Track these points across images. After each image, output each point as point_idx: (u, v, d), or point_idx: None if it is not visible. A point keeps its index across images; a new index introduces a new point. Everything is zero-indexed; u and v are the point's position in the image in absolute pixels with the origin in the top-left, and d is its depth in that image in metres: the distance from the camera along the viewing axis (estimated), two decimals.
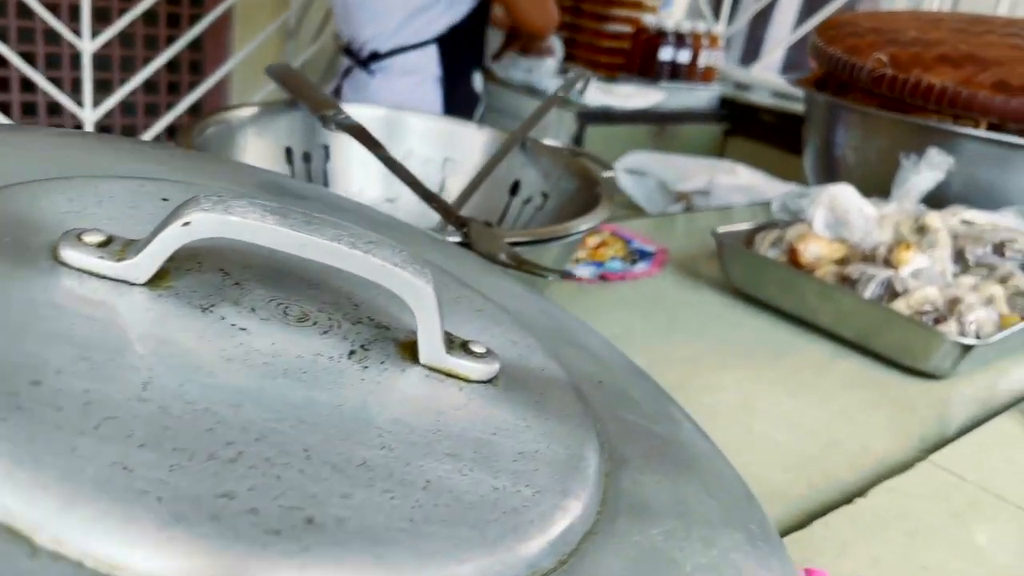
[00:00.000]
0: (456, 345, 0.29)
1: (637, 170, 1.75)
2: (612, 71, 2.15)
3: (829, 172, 1.22)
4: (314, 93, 0.72)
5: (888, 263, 0.79)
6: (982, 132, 0.97)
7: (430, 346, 0.28)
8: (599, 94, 1.88)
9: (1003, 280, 0.81)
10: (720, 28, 2.21)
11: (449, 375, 0.29)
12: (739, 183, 1.64)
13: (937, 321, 0.72)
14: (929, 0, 1.82)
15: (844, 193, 0.82)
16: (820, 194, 0.82)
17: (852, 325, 0.75)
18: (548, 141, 0.78)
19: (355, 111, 0.73)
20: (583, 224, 0.60)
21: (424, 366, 0.29)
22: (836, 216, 0.82)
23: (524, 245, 0.52)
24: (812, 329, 0.79)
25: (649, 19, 2.04)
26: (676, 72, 2.05)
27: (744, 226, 0.89)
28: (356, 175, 0.75)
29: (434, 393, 0.28)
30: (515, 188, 0.77)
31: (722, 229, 0.85)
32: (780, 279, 0.80)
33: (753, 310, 0.82)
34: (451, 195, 0.76)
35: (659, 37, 2.01)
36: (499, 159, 0.74)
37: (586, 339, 0.41)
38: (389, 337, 0.30)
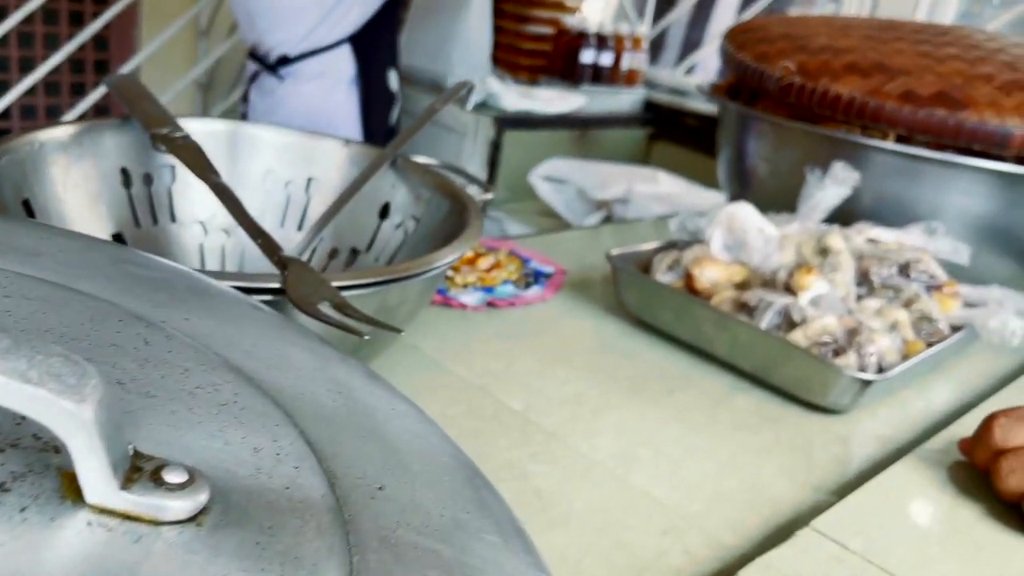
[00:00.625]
0: (144, 473, 0.22)
1: (555, 178, 1.69)
2: (534, 74, 2.09)
3: (742, 184, 1.18)
4: (150, 107, 0.63)
5: (789, 288, 0.74)
6: (890, 144, 0.94)
7: (93, 482, 0.21)
8: (518, 98, 1.81)
9: (908, 304, 0.77)
10: (644, 29, 2.17)
11: (127, 517, 0.22)
12: (659, 191, 1.59)
13: (837, 353, 0.67)
14: (849, 3, 1.80)
15: (743, 212, 0.77)
16: (718, 213, 0.77)
17: (749, 357, 0.70)
18: (420, 158, 0.71)
19: (197, 127, 0.65)
20: (442, 258, 0.54)
21: (92, 507, 0.21)
22: (735, 237, 0.77)
23: (352, 289, 0.46)
24: (710, 360, 0.74)
25: (570, 20, 1.98)
26: (598, 75, 2.00)
27: (647, 246, 0.83)
28: (203, 199, 0.67)
29: (96, 548, 0.20)
30: (385, 211, 0.70)
31: (616, 251, 0.80)
32: (675, 306, 0.74)
33: (650, 339, 0.77)
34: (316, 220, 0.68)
35: (580, 39, 1.95)
36: (365, 179, 0.67)
37: (392, 425, 0.34)
38: (54, 464, 0.22)
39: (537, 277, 0.87)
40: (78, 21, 2.60)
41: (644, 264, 0.82)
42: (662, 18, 2.34)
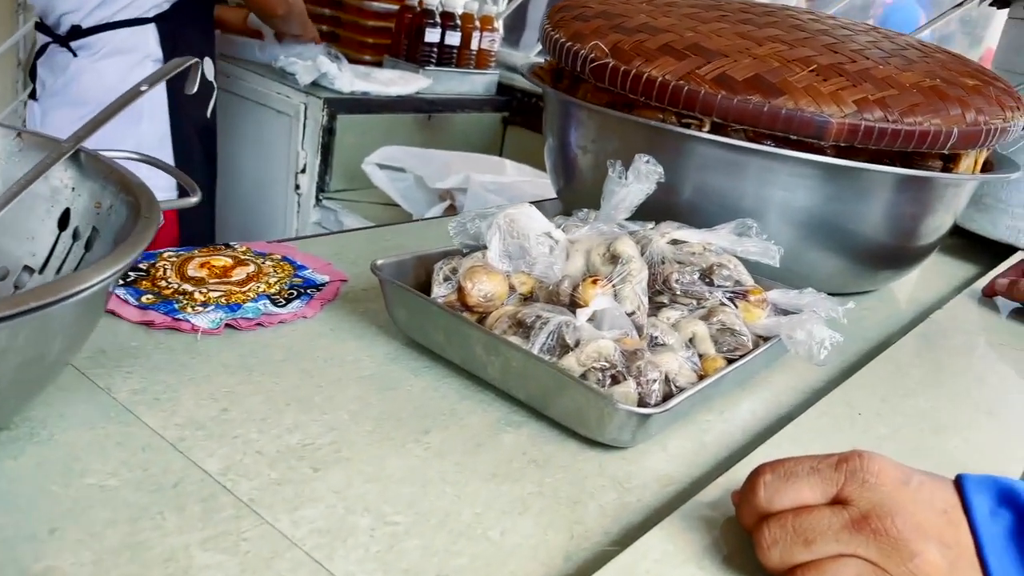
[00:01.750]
0: None
1: (392, 166, 1.56)
2: (380, 53, 1.95)
3: (566, 176, 1.08)
4: None
5: (575, 302, 0.64)
6: (704, 134, 0.86)
7: None
8: (355, 80, 1.67)
9: (709, 315, 0.68)
10: (495, 8, 2.05)
11: None
12: (501, 181, 1.49)
13: (616, 380, 0.58)
14: None
15: (524, 214, 0.67)
16: (497, 216, 0.67)
17: (522, 386, 0.60)
18: (112, 152, 0.57)
19: None
20: (78, 282, 0.41)
21: None
22: (518, 243, 0.67)
23: None
24: (487, 388, 0.63)
25: None
26: (446, 56, 1.88)
27: (429, 251, 0.72)
28: None
29: None
30: (64, 219, 0.56)
31: (383, 260, 0.68)
32: (444, 326, 0.64)
33: (422, 364, 0.66)
34: None
35: (424, 17, 1.82)
36: (31, 180, 0.53)
37: None
38: None
39: (304, 289, 0.75)
40: None
41: (420, 275, 0.71)
42: None
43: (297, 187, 1.64)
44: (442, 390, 0.62)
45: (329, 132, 1.63)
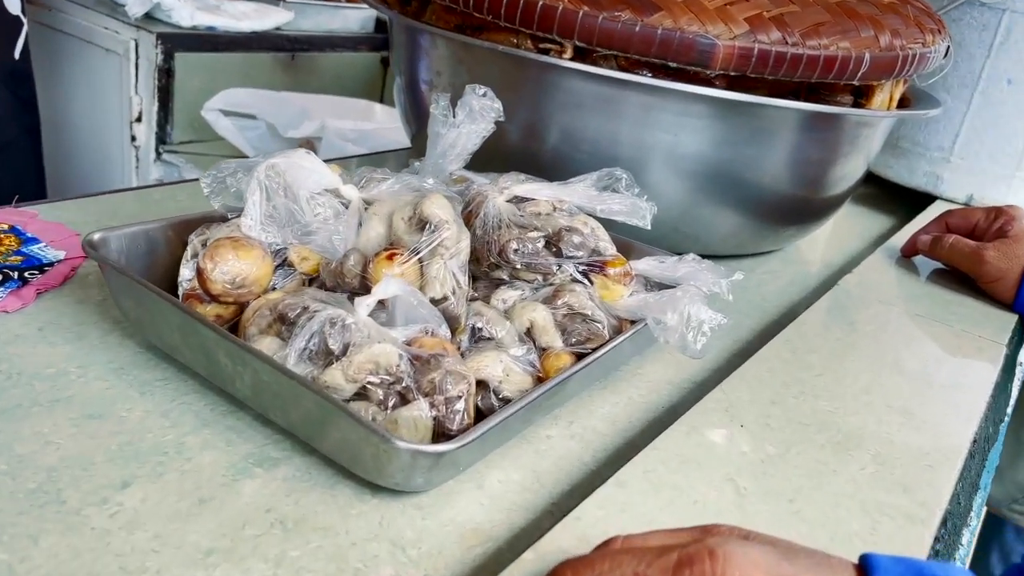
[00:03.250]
0: None
1: (238, 112, 1.35)
2: None
3: (418, 118, 0.90)
4: None
5: (367, 286, 0.47)
6: (565, 61, 0.68)
7: None
8: (197, 12, 1.43)
9: (554, 296, 0.52)
10: None
11: None
12: (362, 128, 1.29)
13: (404, 398, 0.41)
14: None
15: (296, 165, 0.49)
16: (258, 167, 0.48)
17: (280, 409, 0.43)
18: None
19: None
20: None
21: None
22: (287, 204, 0.48)
23: None
24: (245, 409, 0.46)
25: None
26: None
27: (188, 214, 0.53)
28: None
29: None
30: None
31: (102, 233, 0.49)
32: (180, 325, 0.45)
33: (163, 375, 0.48)
34: None
35: None
36: None
37: None
38: None
39: (20, 272, 0.55)
40: None
41: (166, 253, 0.52)
42: None
43: (133, 138, 1.41)
44: (174, 415, 0.44)
45: (167, 74, 1.39)
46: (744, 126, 0.71)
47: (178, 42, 1.39)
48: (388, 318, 0.44)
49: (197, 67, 1.43)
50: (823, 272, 0.85)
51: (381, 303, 0.44)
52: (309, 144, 1.35)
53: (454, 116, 0.58)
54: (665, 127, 0.71)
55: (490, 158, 0.61)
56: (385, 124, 1.32)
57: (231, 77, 1.49)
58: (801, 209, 0.81)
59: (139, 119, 1.40)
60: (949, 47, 0.78)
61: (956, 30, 1.00)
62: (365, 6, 1.76)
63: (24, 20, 1.22)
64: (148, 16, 1.42)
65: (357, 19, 1.74)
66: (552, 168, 0.76)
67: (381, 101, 1.84)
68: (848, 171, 0.80)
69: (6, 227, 0.61)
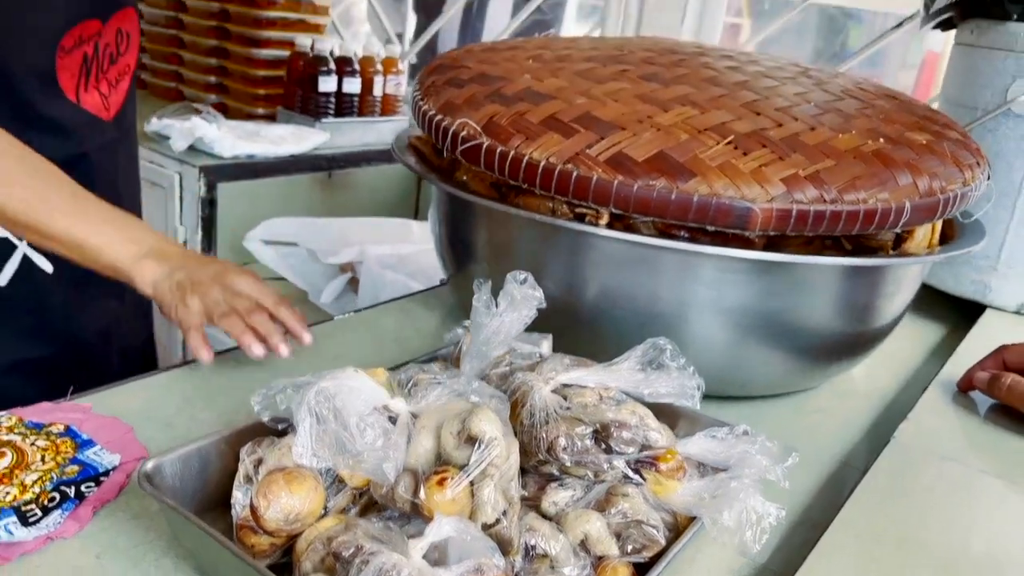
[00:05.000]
0: None
1: (280, 240, 1.38)
2: (274, 105, 1.76)
3: (456, 264, 0.90)
4: None
5: (418, 512, 0.46)
6: (602, 230, 0.69)
7: None
8: (237, 142, 1.48)
9: (607, 501, 0.51)
10: (399, 48, 1.87)
11: None
12: (400, 252, 1.31)
13: None
14: (614, 20, 1.56)
15: (346, 387, 0.49)
16: (308, 392, 0.49)
17: None
18: None
19: None
20: None
21: None
22: (338, 430, 0.49)
23: None
24: None
25: (303, 41, 1.66)
26: (346, 105, 1.69)
27: (239, 425, 0.54)
28: None
29: None
30: None
31: (155, 461, 0.50)
32: (236, 568, 0.45)
33: None
34: None
35: (317, 65, 1.64)
36: None
37: None
38: None
39: (78, 486, 0.56)
40: None
41: (225, 456, 0.53)
42: (424, 32, 2.06)
43: None
44: None
45: (210, 204, 1.44)
46: (785, 279, 0.70)
47: (220, 173, 1.44)
48: (441, 555, 0.44)
49: (238, 195, 1.48)
50: (877, 405, 0.82)
51: None
52: (351, 267, 1.37)
53: (496, 306, 0.58)
54: (705, 284, 0.70)
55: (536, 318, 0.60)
56: (422, 244, 1.34)
57: (271, 201, 1.52)
58: (848, 345, 0.79)
59: None
60: (989, 176, 0.77)
61: (993, 140, 0.99)
62: (397, 118, 1.81)
63: (17, 243, 0.90)
64: (191, 148, 1.47)
65: (390, 131, 1.78)
66: (592, 324, 0.76)
67: (416, 212, 1.87)
68: (894, 306, 0.79)
69: (62, 428, 0.63)
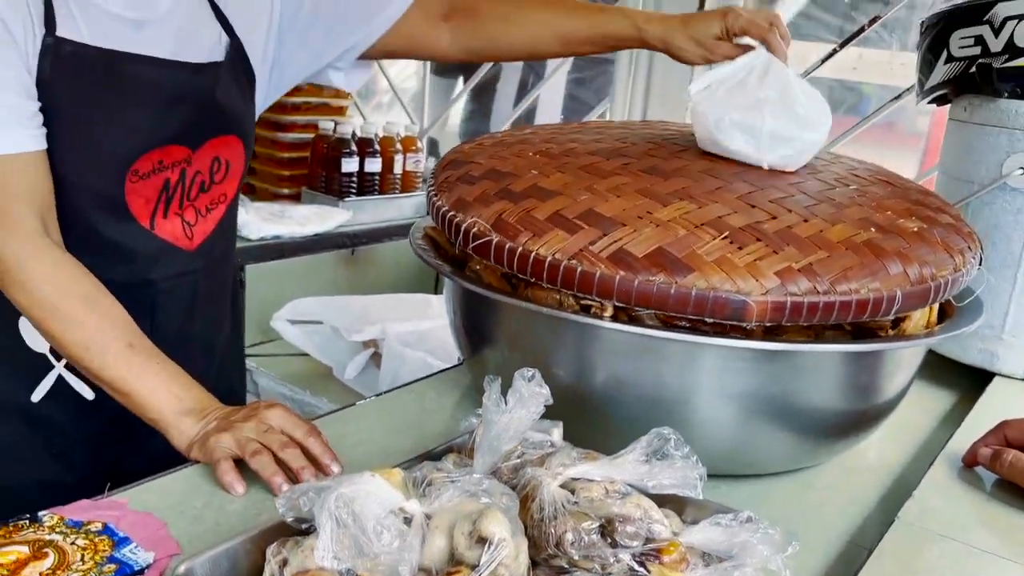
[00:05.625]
0: None
1: (305, 319, 1.43)
2: (299, 185, 1.83)
3: (471, 348, 0.94)
4: None
5: None
6: (607, 323, 0.72)
7: None
8: (263, 224, 1.54)
9: None
10: (416, 127, 1.95)
11: None
12: (420, 329, 1.35)
13: None
14: (620, 105, 1.62)
15: (364, 491, 0.53)
16: (328, 497, 0.52)
17: None
18: None
19: None
20: None
21: None
22: (357, 534, 0.52)
23: None
24: None
25: (326, 125, 1.74)
26: (368, 183, 1.76)
27: (265, 523, 0.57)
28: None
29: None
30: None
31: (187, 564, 0.53)
32: None
33: None
34: None
35: (340, 146, 1.71)
36: None
37: None
38: None
39: None
40: None
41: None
42: (447, 107, 2.13)
43: None
44: None
45: (239, 284, 1.49)
46: (786, 364, 0.73)
47: (248, 255, 1.50)
48: None
49: (266, 275, 1.53)
50: (886, 480, 0.84)
51: None
52: (373, 344, 1.41)
53: (505, 403, 0.62)
54: (708, 372, 0.73)
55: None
56: (441, 319, 1.38)
57: (296, 279, 1.58)
58: (854, 423, 0.81)
59: None
60: (982, 259, 0.80)
61: (990, 212, 1.01)
62: (418, 193, 1.87)
63: (55, 364, 0.93)
64: None
65: (410, 206, 1.84)
66: (601, 410, 0.79)
67: (436, 285, 1.92)
68: (896, 383, 0.81)
69: (100, 526, 0.66)
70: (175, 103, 0.90)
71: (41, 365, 0.91)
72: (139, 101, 0.87)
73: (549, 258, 0.73)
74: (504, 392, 0.64)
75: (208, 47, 0.93)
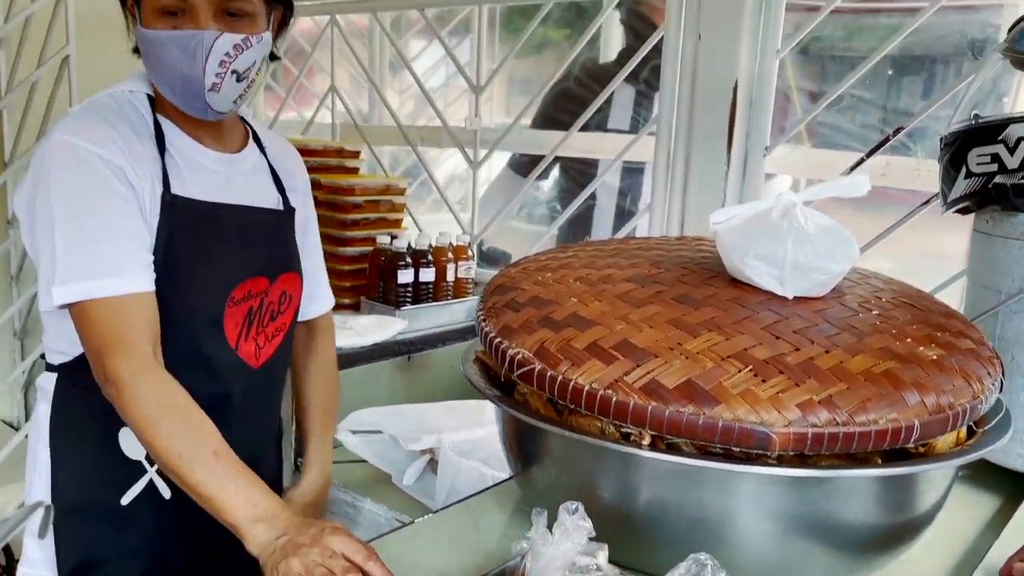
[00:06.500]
0: None
1: (365, 429, 1.51)
2: (358, 295, 1.94)
3: (521, 464, 1.00)
4: None
5: None
6: (645, 451, 0.78)
7: None
8: None
9: None
10: (467, 236, 2.06)
11: None
12: (474, 438, 1.42)
13: None
14: (658, 217, 1.70)
15: None
16: None
17: None
18: None
19: None
20: None
21: None
22: None
23: None
24: None
25: (383, 239, 1.86)
26: (422, 292, 1.86)
27: None
28: None
29: None
30: None
31: None
32: None
33: None
34: None
35: (395, 260, 1.82)
36: None
37: None
38: None
39: None
40: None
41: None
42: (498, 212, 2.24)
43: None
44: None
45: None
46: (819, 487, 0.77)
47: None
48: None
49: None
50: None
51: None
52: (430, 451, 1.48)
53: (552, 535, 0.68)
54: (743, 495, 0.78)
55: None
56: (494, 426, 1.44)
57: (356, 387, 1.66)
58: (890, 536, 0.84)
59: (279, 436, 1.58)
60: (1003, 383, 0.83)
61: (1020, 321, 1.05)
62: (470, 299, 1.96)
63: (148, 469, 1.06)
64: None
65: (463, 311, 1.93)
66: (644, 530, 0.83)
67: None
68: (931, 497, 0.84)
69: None
70: (258, 240, 1.09)
71: (134, 471, 1.04)
72: (234, 239, 1.06)
73: (587, 387, 0.79)
74: (551, 520, 0.70)
75: (272, 199, 1.14)
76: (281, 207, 1.14)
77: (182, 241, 1.01)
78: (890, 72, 1.71)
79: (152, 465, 1.04)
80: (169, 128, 1.04)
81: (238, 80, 0.99)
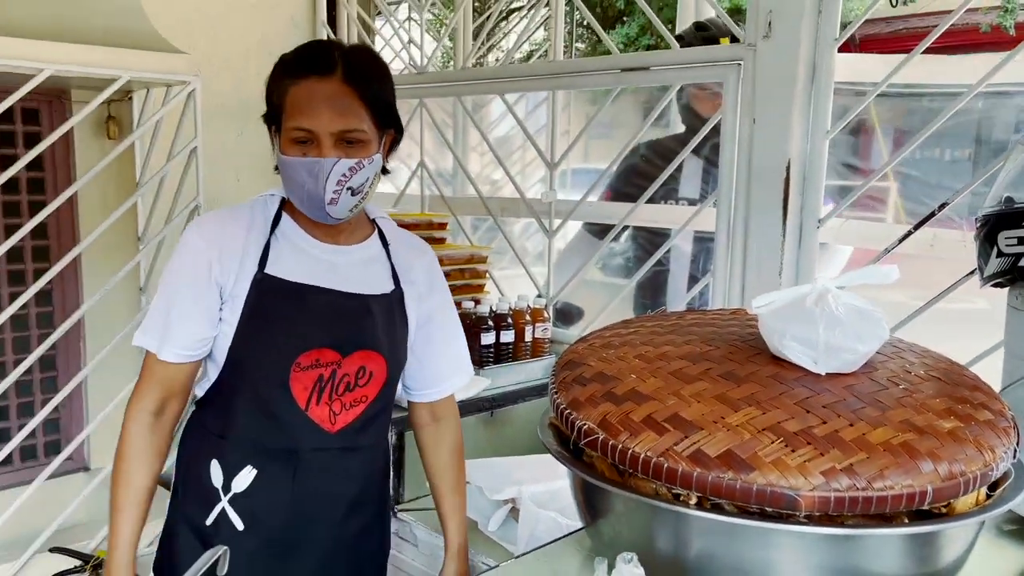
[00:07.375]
0: None
1: None
2: None
3: (591, 516, 1.14)
4: None
5: None
6: (692, 510, 0.91)
7: None
8: None
9: None
10: (542, 300, 2.22)
11: None
12: (552, 488, 1.56)
13: None
14: (722, 280, 1.84)
15: None
16: None
17: None
18: None
19: None
20: None
21: None
22: None
23: None
24: None
25: (467, 305, 2.04)
26: (503, 353, 2.03)
27: None
28: None
29: None
30: None
31: None
32: None
33: None
34: None
35: (479, 324, 2.00)
36: None
37: None
38: None
39: None
40: (19, 280, 2.64)
41: None
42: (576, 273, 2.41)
43: None
44: None
45: (399, 450, 1.77)
46: (849, 543, 0.88)
47: (406, 424, 1.77)
48: None
49: None
50: None
51: None
52: (512, 500, 1.63)
53: None
54: (780, 549, 0.90)
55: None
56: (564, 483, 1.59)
57: None
58: None
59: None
60: (1016, 449, 0.93)
61: None
62: (546, 357, 2.11)
63: (223, 496, 1.30)
64: None
65: (540, 368, 2.09)
66: None
67: None
68: (955, 549, 0.94)
69: None
70: (335, 319, 1.29)
71: (213, 497, 1.30)
72: (310, 316, 1.27)
73: (643, 455, 0.93)
74: (611, 567, 0.84)
75: (378, 287, 1.33)
76: (385, 293, 1.33)
77: (263, 310, 1.25)
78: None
79: (226, 495, 1.28)
80: (286, 221, 1.30)
81: (353, 194, 1.21)
